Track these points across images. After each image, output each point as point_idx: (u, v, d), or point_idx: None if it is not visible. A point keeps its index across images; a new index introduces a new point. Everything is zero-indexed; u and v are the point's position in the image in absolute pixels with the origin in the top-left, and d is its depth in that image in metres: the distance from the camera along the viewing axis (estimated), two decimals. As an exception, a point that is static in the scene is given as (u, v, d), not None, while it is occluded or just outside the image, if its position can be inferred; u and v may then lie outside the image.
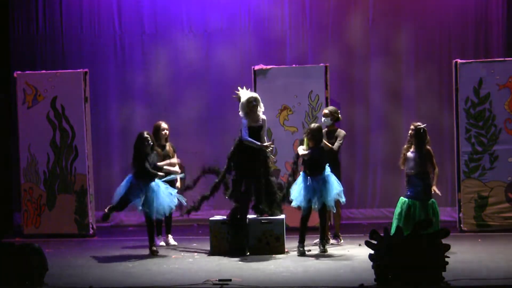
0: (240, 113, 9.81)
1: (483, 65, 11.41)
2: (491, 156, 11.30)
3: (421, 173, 9.40)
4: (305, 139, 9.68)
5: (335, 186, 9.59)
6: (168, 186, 9.89)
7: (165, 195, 9.81)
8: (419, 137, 9.42)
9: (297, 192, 9.60)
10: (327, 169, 9.63)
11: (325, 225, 9.80)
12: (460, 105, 11.37)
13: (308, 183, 9.53)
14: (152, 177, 9.71)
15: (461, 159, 11.35)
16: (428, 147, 9.42)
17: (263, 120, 9.88)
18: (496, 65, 11.38)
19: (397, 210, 9.53)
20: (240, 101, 9.84)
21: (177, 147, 10.94)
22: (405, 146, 9.66)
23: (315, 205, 9.57)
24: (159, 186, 9.79)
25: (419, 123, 9.52)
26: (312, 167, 9.57)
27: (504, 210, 11.26)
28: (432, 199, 9.46)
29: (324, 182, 9.53)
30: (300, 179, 9.66)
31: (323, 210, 9.64)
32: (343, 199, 9.78)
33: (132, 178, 9.78)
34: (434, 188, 9.47)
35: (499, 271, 8.07)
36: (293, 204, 9.71)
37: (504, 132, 11.30)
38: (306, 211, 9.65)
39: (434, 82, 12.85)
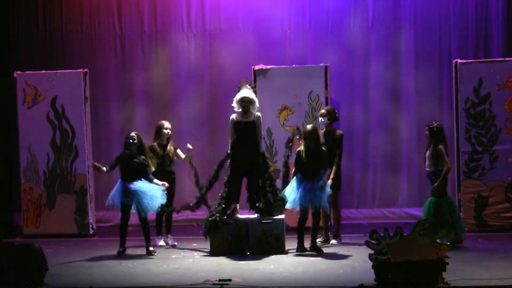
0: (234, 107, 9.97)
1: (483, 65, 11.41)
2: (491, 156, 11.30)
3: (433, 172, 9.46)
4: (303, 143, 9.64)
5: (327, 191, 9.56)
6: (153, 188, 9.87)
7: (148, 195, 9.80)
8: (432, 135, 9.50)
9: (293, 194, 9.59)
10: (322, 174, 9.61)
11: (316, 228, 9.75)
12: (460, 105, 11.37)
13: (307, 185, 9.52)
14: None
15: (461, 159, 11.36)
16: (440, 146, 9.45)
17: (257, 117, 9.93)
18: (496, 65, 11.38)
19: (425, 209, 9.58)
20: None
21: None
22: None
23: (313, 206, 9.56)
24: (142, 185, 9.80)
25: (433, 123, 9.57)
26: (309, 171, 9.55)
27: (504, 210, 11.27)
28: (446, 197, 9.48)
29: (321, 182, 9.51)
30: (294, 182, 9.64)
31: (317, 213, 9.63)
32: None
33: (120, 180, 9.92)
34: (435, 184, 9.46)
35: (499, 271, 8.07)
36: (288, 206, 9.72)
37: (504, 132, 11.31)
38: (302, 214, 9.65)
39: (434, 82, 12.85)
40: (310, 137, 9.55)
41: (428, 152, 9.62)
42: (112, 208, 10.27)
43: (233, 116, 9.95)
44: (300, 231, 9.71)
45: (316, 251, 9.64)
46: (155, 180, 9.91)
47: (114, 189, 9.92)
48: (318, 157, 9.56)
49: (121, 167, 9.92)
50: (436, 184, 9.51)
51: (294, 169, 9.76)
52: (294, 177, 9.67)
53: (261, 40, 13.11)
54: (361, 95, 12.93)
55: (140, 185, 9.76)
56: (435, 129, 9.51)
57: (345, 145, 10.77)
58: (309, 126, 9.67)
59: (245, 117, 9.91)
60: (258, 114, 9.99)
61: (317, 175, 9.53)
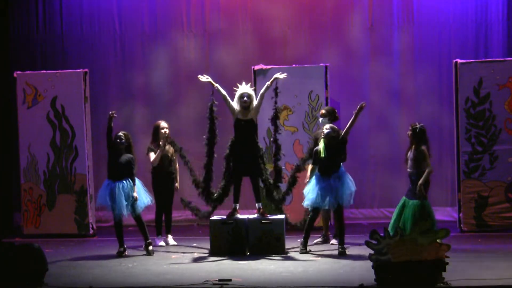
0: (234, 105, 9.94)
1: (483, 65, 11.41)
2: (491, 156, 11.30)
3: (415, 173, 9.38)
4: (322, 142, 9.64)
5: (350, 185, 9.60)
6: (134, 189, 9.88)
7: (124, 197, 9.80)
8: (415, 137, 9.43)
9: (311, 193, 9.58)
10: (342, 167, 9.64)
11: (342, 226, 9.73)
12: (460, 105, 11.37)
13: (324, 183, 9.52)
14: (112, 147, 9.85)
15: (461, 159, 11.35)
16: (423, 147, 9.38)
17: (254, 114, 9.91)
18: (496, 65, 11.38)
19: (397, 208, 9.55)
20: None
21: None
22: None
23: (331, 204, 9.53)
24: (124, 186, 9.81)
25: (416, 123, 9.52)
26: (328, 166, 9.58)
27: (504, 210, 11.26)
28: (424, 201, 9.37)
29: (340, 179, 9.55)
30: (313, 180, 9.64)
31: (339, 210, 9.63)
32: (351, 201, 9.74)
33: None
34: (420, 182, 9.33)
35: (499, 271, 8.07)
36: (304, 204, 9.72)
37: (504, 132, 11.30)
38: (313, 213, 9.67)
39: (434, 82, 12.85)
40: (331, 137, 9.57)
41: (409, 153, 9.53)
42: (105, 208, 10.25)
43: (236, 111, 9.93)
44: (307, 231, 9.70)
45: (340, 253, 9.55)
46: (136, 186, 9.89)
47: (101, 189, 9.93)
48: (336, 152, 9.59)
49: (108, 165, 9.93)
50: (418, 187, 9.36)
51: (311, 167, 9.82)
52: (313, 176, 9.69)
53: (261, 40, 13.11)
54: (361, 95, 12.91)
55: (123, 185, 9.76)
56: (417, 130, 9.45)
57: (345, 145, 10.80)
58: (327, 128, 9.65)
59: (245, 114, 9.90)
60: (253, 96, 10.01)
61: (336, 171, 9.56)
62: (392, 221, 9.41)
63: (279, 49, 13.05)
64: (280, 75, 9.96)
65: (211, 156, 10.02)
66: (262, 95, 9.96)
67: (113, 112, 10.04)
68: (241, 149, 9.89)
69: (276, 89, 9.99)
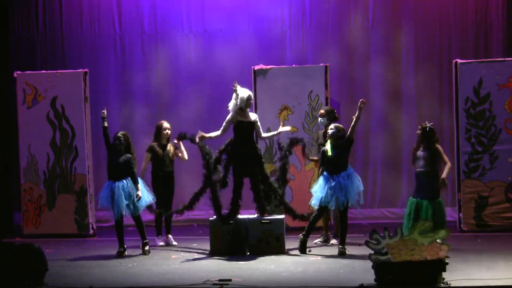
0: (231, 106, 9.86)
1: (483, 65, 11.41)
2: (491, 156, 11.30)
3: (429, 172, 9.37)
4: (329, 142, 9.65)
5: (358, 184, 9.61)
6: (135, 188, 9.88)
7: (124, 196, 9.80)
8: (426, 136, 9.42)
9: (320, 191, 9.57)
10: (350, 167, 9.66)
11: (345, 226, 9.69)
12: (460, 105, 11.37)
13: (333, 182, 9.52)
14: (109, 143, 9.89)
15: (461, 159, 11.35)
16: (437, 145, 9.41)
17: (255, 117, 9.98)
18: (496, 65, 11.38)
19: (407, 210, 9.45)
20: (236, 94, 9.86)
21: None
22: (414, 146, 9.60)
23: (341, 203, 9.52)
24: (124, 185, 9.80)
25: (426, 123, 9.52)
26: (336, 165, 9.58)
27: (504, 210, 11.26)
28: (439, 199, 9.38)
29: (349, 178, 9.56)
30: (321, 180, 9.62)
31: (345, 211, 9.62)
32: (361, 201, 9.70)
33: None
34: (444, 176, 9.30)
35: (499, 271, 8.07)
36: (312, 203, 9.71)
37: (504, 132, 11.30)
38: (321, 212, 9.68)
39: (434, 82, 12.85)
40: (337, 137, 9.58)
41: (420, 152, 9.49)
42: (107, 209, 10.25)
43: (234, 115, 9.90)
44: (308, 230, 9.68)
45: (340, 253, 9.55)
46: (139, 185, 9.90)
47: (101, 190, 9.94)
48: (344, 151, 9.58)
49: (108, 166, 9.95)
50: (441, 180, 9.33)
51: (321, 168, 9.77)
52: (321, 176, 9.68)
53: (261, 40, 13.11)
54: (361, 95, 12.84)
55: (123, 185, 9.76)
56: (427, 129, 9.44)
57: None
58: (332, 128, 9.65)
59: (246, 116, 9.91)
60: (255, 115, 10.08)
61: (344, 170, 9.57)
62: (405, 223, 9.32)
63: (279, 49, 13.05)
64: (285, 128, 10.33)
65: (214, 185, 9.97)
66: (264, 138, 10.36)
67: (103, 111, 10.04)
68: (241, 149, 9.89)
69: (287, 151, 10.13)
